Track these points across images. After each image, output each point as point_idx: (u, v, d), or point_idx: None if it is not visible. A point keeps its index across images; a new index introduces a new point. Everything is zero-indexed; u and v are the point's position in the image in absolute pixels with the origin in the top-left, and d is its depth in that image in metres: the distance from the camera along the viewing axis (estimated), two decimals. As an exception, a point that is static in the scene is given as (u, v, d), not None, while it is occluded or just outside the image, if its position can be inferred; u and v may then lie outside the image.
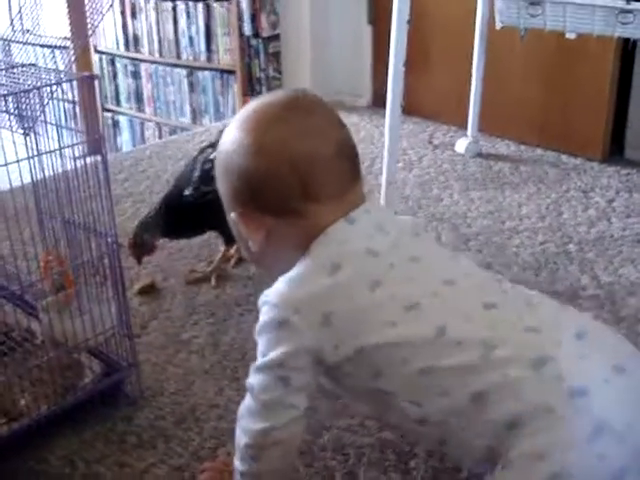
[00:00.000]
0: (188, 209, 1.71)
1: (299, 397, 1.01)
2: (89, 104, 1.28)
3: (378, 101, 3.08)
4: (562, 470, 0.90)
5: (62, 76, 1.25)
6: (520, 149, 2.63)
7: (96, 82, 1.24)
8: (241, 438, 1.05)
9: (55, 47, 1.42)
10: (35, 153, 1.32)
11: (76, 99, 1.28)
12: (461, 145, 2.57)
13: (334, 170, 1.02)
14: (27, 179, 1.41)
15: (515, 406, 0.93)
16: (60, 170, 1.32)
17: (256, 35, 3.28)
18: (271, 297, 0.99)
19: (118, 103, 4.09)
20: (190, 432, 1.30)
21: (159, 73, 3.81)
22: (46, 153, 1.28)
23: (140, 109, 4.00)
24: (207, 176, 1.69)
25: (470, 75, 2.48)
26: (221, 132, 1.77)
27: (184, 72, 3.68)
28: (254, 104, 1.06)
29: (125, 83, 4.01)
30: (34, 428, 1.26)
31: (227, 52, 3.45)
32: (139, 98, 3.98)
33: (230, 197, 1.06)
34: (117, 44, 3.94)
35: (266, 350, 1.00)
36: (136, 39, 3.85)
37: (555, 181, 2.36)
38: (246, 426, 1.04)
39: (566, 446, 0.90)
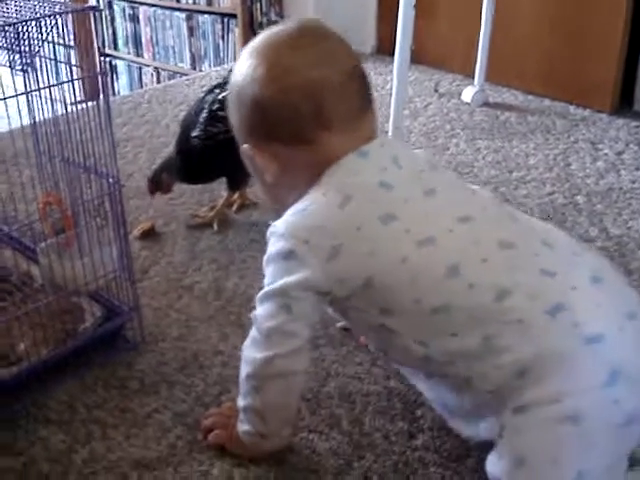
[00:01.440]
0: (196, 152, 1.67)
1: (301, 325, 1.01)
2: (88, 41, 1.24)
3: (383, 48, 3.02)
4: (576, 413, 0.89)
5: (61, 8, 1.20)
6: (527, 99, 2.58)
7: (97, 14, 1.19)
8: (243, 369, 1.05)
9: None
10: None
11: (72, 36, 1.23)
12: (468, 94, 2.52)
13: (346, 97, 1.01)
14: (26, 121, 1.37)
15: (529, 351, 0.92)
16: (60, 111, 1.27)
17: (258, -22, 3.21)
18: (279, 227, 0.98)
19: (116, 47, 4.01)
20: (193, 378, 1.28)
21: (158, 17, 3.73)
22: (45, 88, 1.22)
23: (138, 54, 3.92)
24: (215, 117, 1.65)
25: (478, 23, 2.42)
26: (231, 71, 1.74)
27: (183, 16, 3.60)
28: (264, 34, 1.05)
29: (123, 27, 3.93)
30: (33, 373, 1.23)
31: (228, -5, 3.38)
32: (137, 42, 3.90)
33: (243, 128, 1.05)
34: (115, -14, 3.85)
35: (272, 280, 0.99)
36: (134, -19, 3.76)
37: (563, 132, 2.31)
38: (249, 356, 1.04)
39: (581, 391, 0.90)
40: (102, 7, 3.89)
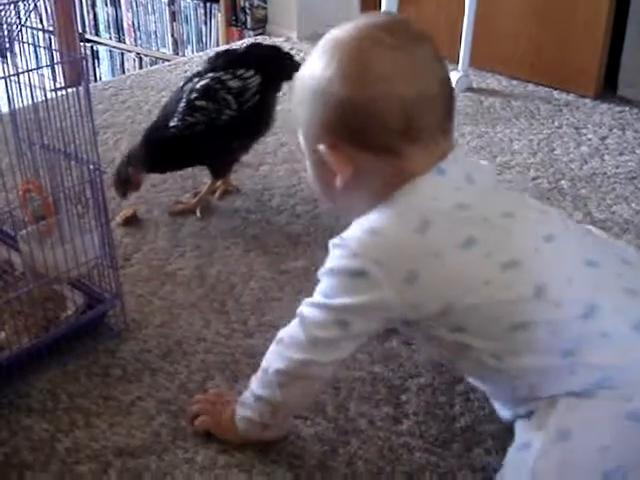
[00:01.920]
0: (174, 141, 1.64)
1: (352, 344, 1.00)
2: (68, 26, 1.22)
3: (366, 33, 2.99)
4: None
5: (40, -8, 1.18)
6: (512, 84, 2.57)
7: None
8: (273, 362, 1.03)
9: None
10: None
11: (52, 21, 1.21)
12: (452, 79, 2.50)
13: (436, 110, 0.95)
14: (5, 108, 1.36)
15: (612, 364, 0.94)
16: (39, 97, 1.25)
17: (241, -38, 3.17)
18: (351, 244, 0.95)
19: (97, 33, 3.96)
20: (177, 365, 1.27)
21: (139, 1, 3.69)
22: (23, 72, 1.20)
23: (120, 39, 3.88)
24: (193, 107, 1.64)
25: (462, 8, 2.41)
26: (209, 60, 1.73)
27: (166, 0, 3.56)
28: (352, 27, 0.96)
29: (104, 12, 3.88)
30: (15, 361, 1.21)
31: (211, -21, 3.35)
32: (119, 28, 3.86)
33: (319, 127, 0.98)
34: (95, -30, 3.80)
35: (332, 293, 0.97)
36: (115, -35, 3.72)
37: (547, 117, 2.31)
38: (285, 353, 1.02)
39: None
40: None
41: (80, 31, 3.94)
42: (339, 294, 0.96)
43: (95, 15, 3.92)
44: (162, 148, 1.66)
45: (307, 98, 0.99)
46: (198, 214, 1.73)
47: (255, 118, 1.70)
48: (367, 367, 1.26)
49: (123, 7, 3.78)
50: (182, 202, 1.78)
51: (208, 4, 3.40)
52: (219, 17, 3.35)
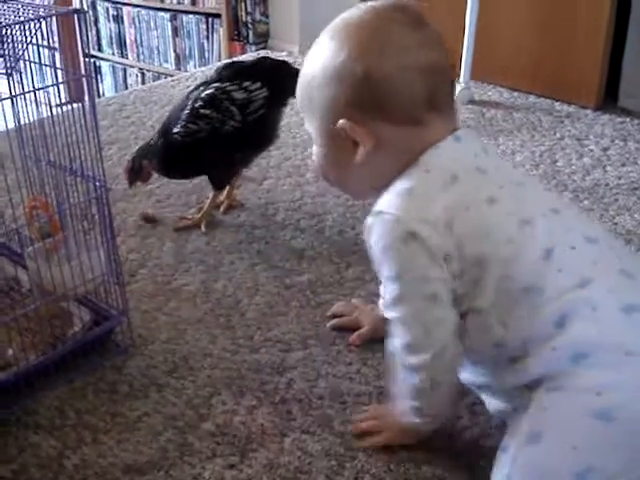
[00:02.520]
0: (177, 148, 1.66)
1: (450, 310, 1.00)
2: (72, 43, 1.23)
3: (368, 47, 3.01)
4: (611, 411, 0.90)
5: (45, 11, 1.19)
6: (513, 96, 2.59)
7: (81, 17, 1.18)
8: (410, 378, 1.04)
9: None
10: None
11: (56, 38, 1.22)
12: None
13: (449, 82, 1.02)
14: (11, 124, 1.36)
15: (595, 339, 0.93)
16: (45, 114, 1.26)
17: (242, -23, 3.20)
18: (392, 211, 0.97)
19: (100, 49, 4.00)
20: (183, 381, 1.28)
21: (142, 17, 3.71)
22: (29, 92, 1.21)
23: (123, 55, 3.91)
24: (197, 114, 1.65)
25: (463, 21, 2.42)
26: (217, 70, 1.74)
27: (168, 16, 3.59)
28: (361, 8, 1.02)
29: (107, 28, 3.91)
30: (22, 378, 1.22)
31: (212, -5, 3.37)
32: (122, 43, 3.88)
33: (337, 104, 1.00)
34: (98, -14, 3.83)
35: (401, 270, 0.98)
36: (118, -19, 3.75)
37: (549, 128, 2.32)
38: (407, 361, 1.04)
39: (625, 391, 0.91)
40: (86, 9, 3.86)
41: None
42: (408, 265, 0.98)
43: (98, 31, 3.94)
44: (169, 152, 1.68)
45: (322, 80, 1.01)
46: (203, 229, 1.74)
47: (259, 131, 1.70)
48: (373, 381, 1.27)
49: (126, 23, 3.81)
50: (187, 218, 1.79)
51: (210, 19, 3.43)
52: (221, 32, 3.37)
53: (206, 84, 1.71)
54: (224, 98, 1.66)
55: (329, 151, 1.07)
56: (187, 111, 1.66)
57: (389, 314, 1.03)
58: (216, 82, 1.70)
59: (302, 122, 2.32)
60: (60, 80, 1.23)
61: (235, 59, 1.80)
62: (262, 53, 3.12)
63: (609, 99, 2.50)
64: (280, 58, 1.88)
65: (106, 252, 1.31)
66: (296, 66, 1.85)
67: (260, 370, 1.29)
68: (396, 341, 1.04)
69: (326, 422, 1.18)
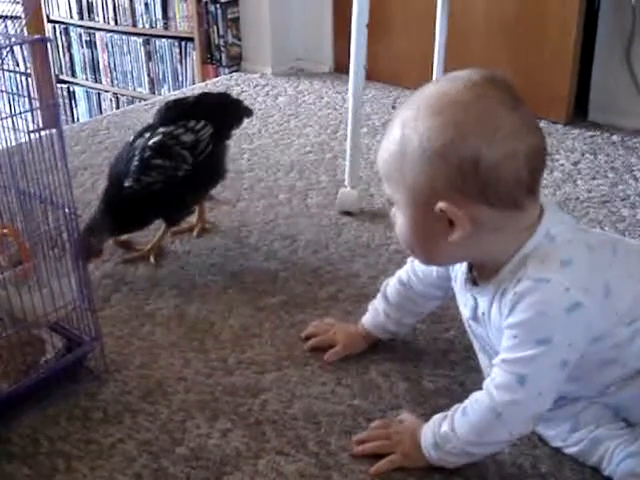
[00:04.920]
0: (131, 202, 1.60)
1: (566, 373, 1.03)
2: (42, 71, 1.23)
3: (340, 67, 3.04)
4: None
5: (13, 40, 1.19)
6: (484, 113, 2.60)
7: (48, 45, 1.19)
8: (513, 429, 1.06)
9: (5, 17, 1.36)
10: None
11: (28, 65, 1.22)
12: (425, 110, 2.53)
13: (545, 164, 1.03)
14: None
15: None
16: (14, 142, 1.26)
17: (214, 0, 3.20)
18: (559, 279, 0.98)
19: (73, 74, 3.99)
20: (157, 405, 1.27)
21: (115, 42, 3.72)
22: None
23: (96, 79, 3.90)
24: (149, 165, 1.60)
25: (432, 38, 2.44)
26: (159, 112, 1.72)
27: (140, 40, 3.60)
28: (456, 82, 1.01)
29: (80, 53, 3.91)
30: (-5, 407, 1.22)
31: (184, 19, 3.38)
32: (95, 68, 3.88)
33: (437, 184, 0.99)
34: (70, 13, 3.83)
35: (552, 336, 0.99)
36: (90, 7, 3.74)
37: (520, 144, 2.34)
38: (520, 416, 1.05)
39: None
40: (52, 37, 3.85)
41: (56, 73, 3.98)
42: (559, 332, 1.00)
43: (71, 56, 3.94)
44: (121, 210, 1.60)
45: (422, 156, 0.98)
46: (152, 260, 1.71)
47: (209, 169, 1.69)
48: (347, 400, 1.27)
49: (99, 48, 3.81)
50: (135, 249, 1.75)
51: (183, 43, 3.44)
52: (194, 55, 3.38)
53: (150, 129, 1.66)
54: (173, 144, 1.62)
55: (418, 225, 1.05)
56: (137, 162, 1.60)
57: (509, 368, 1.03)
58: (160, 126, 1.65)
59: (275, 144, 2.36)
60: (30, 107, 1.23)
61: (176, 98, 1.77)
62: (235, 75, 3.14)
63: (579, 113, 2.54)
64: (219, 92, 1.88)
65: (77, 278, 1.31)
66: (235, 97, 1.86)
67: (234, 392, 1.29)
68: (499, 389, 1.04)
69: (300, 443, 1.18)
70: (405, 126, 1.01)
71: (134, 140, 1.66)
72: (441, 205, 0.99)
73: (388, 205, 1.12)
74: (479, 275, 1.10)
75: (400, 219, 1.07)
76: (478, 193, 0.97)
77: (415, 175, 1.00)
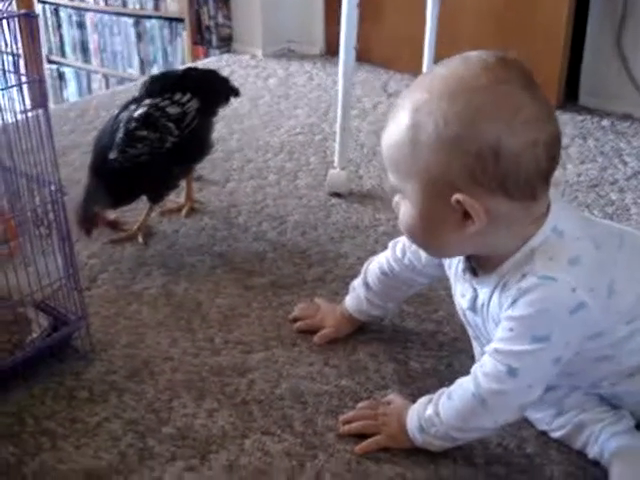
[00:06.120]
0: (116, 174, 1.58)
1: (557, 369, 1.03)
2: (29, 48, 1.22)
3: (331, 49, 3.03)
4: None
5: (-2, 15, 1.18)
6: (475, 96, 2.60)
7: (37, 23, 1.17)
8: (498, 417, 1.05)
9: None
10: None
11: (14, 43, 1.21)
12: (416, 92, 2.52)
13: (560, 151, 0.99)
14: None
15: None
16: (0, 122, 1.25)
17: (205, -19, 3.19)
18: (566, 279, 0.96)
19: (63, 54, 3.96)
20: (144, 385, 1.27)
21: (105, 23, 3.69)
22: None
23: (86, 60, 3.88)
24: (134, 137, 1.58)
25: (424, 21, 2.43)
26: (144, 85, 1.70)
27: (131, 21, 3.57)
28: (470, 65, 0.96)
29: (70, 34, 3.88)
30: (-20, 386, 1.21)
31: (175, -1, 3.36)
32: (85, 49, 3.86)
33: (452, 173, 0.93)
34: (60, -7, 3.80)
35: (552, 334, 0.98)
36: (80, -13, 3.72)
37: (510, 127, 2.33)
38: (506, 405, 1.05)
39: None
40: (38, 13, 3.81)
41: (46, 53, 3.95)
42: (558, 331, 0.98)
43: (61, 37, 3.91)
44: (109, 182, 1.58)
45: (436, 143, 0.93)
46: (140, 240, 1.70)
47: (195, 143, 1.67)
48: (334, 381, 1.27)
49: (89, 28, 3.78)
50: (123, 230, 1.72)
51: (173, 24, 3.41)
52: (184, 36, 3.36)
53: (136, 101, 1.64)
54: (159, 115, 1.60)
55: (428, 217, 0.99)
56: (122, 134, 1.57)
57: (501, 358, 1.01)
58: (146, 98, 1.64)
59: (265, 126, 2.35)
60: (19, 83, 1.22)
61: (163, 71, 1.73)
62: (225, 57, 3.12)
63: (569, 97, 2.53)
64: (207, 67, 1.87)
65: (63, 257, 1.30)
66: (223, 74, 1.84)
67: (221, 372, 1.29)
68: (487, 377, 1.03)
69: (286, 423, 1.18)
70: (417, 110, 0.94)
71: (119, 113, 1.64)
72: (458, 197, 0.93)
73: (390, 194, 1.08)
74: (480, 266, 1.07)
75: (406, 209, 1.01)
76: (498, 184, 0.92)
77: (429, 164, 0.94)
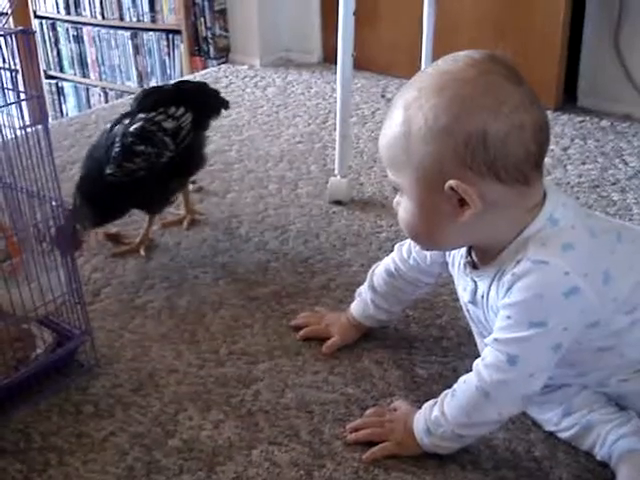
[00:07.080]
0: (111, 189, 1.55)
1: (558, 356, 1.03)
2: (27, 65, 1.22)
3: (328, 57, 3.03)
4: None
5: (-5, 32, 1.18)
6: (473, 100, 2.60)
7: (34, 38, 1.17)
8: (502, 408, 1.05)
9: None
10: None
11: (12, 59, 1.21)
12: (414, 98, 2.52)
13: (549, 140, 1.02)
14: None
15: None
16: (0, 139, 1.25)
17: (201, -7, 3.19)
18: (559, 262, 0.97)
19: (62, 69, 3.97)
20: (149, 398, 1.27)
21: (102, 36, 3.70)
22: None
23: (85, 74, 3.88)
24: (131, 151, 1.56)
25: (420, 26, 2.43)
26: (137, 99, 1.70)
27: (128, 34, 3.58)
28: (457, 61, 0.99)
29: (68, 48, 3.88)
30: (-15, 403, 1.21)
31: (172, 11, 3.37)
32: (83, 63, 3.86)
33: (444, 161, 0.97)
34: (57, 8, 3.80)
35: (548, 319, 0.98)
36: (76, 1, 3.72)
37: (510, 130, 2.33)
38: (509, 396, 1.05)
39: None
40: (35, 29, 3.82)
41: (44, 68, 3.96)
42: (554, 315, 0.99)
43: (59, 51, 3.92)
44: (100, 199, 1.54)
45: (428, 134, 0.97)
46: (142, 253, 1.70)
47: (190, 156, 1.67)
48: (340, 389, 1.27)
49: (86, 42, 3.78)
50: (124, 243, 1.73)
51: (170, 36, 3.42)
52: (182, 48, 3.37)
53: (129, 116, 1.63)
54: (155, 130, 1.60)
55: (425, 208, 1.02)
56: (118, 149, 1.55)
57: (500, 347, 1.02)
58: (139, 112, 1.63)
59: (265, 135, 2.35)
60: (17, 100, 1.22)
61: (154, 85, 1.72)
62: (223, 67, 3.13)
63: (568, 99, 2.53)
64: (197, 80, 1.85)
65: (66, 272, 1.30)
66: (213, 87, 1.83)
67: (226, 383, 1.29)
68: (489, 368, 1.04)
69: (293, 432, 1.18)
70: (408, 107, 0.99)
71: (112, 127, 1.62)
72: (451, 183, 0.96)
73: (392, 194, 1.09)
74: (479, 259, 1.09)
75: (405, 204, 1.04)
76: (487, 168, 0.95)
77: (422, 155, 0.98)
